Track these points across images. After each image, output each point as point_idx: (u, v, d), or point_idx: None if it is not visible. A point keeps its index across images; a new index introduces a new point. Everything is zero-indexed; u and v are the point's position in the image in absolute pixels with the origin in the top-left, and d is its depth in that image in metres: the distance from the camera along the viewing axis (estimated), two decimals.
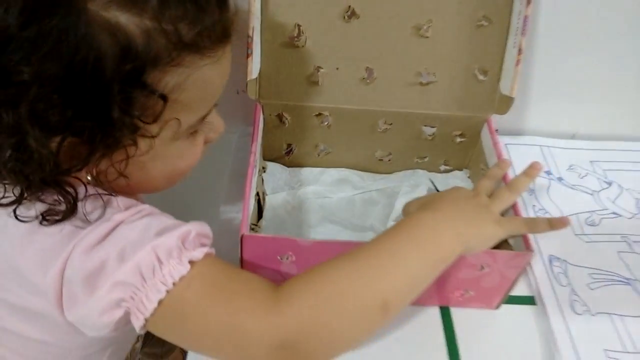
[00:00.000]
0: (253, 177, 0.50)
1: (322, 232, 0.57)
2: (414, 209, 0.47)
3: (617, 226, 0.60)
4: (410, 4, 0.54)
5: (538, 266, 0.55)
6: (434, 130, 0.60)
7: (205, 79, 0.37)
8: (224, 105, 0.66)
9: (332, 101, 0.58)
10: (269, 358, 0.36)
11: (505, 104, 0.55)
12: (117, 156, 0.37)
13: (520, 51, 0.51)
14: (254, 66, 0.53)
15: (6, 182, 0.37)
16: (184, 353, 0.49)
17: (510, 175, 0.52)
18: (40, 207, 0.37)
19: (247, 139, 0.54)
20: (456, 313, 0.52)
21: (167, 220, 0.39)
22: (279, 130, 0.60)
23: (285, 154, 0.63)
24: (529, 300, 0.54)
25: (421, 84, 0.57)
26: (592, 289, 0.54)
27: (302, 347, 0.36)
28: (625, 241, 0.59)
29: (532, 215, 0.60)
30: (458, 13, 0.54)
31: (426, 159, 0.63)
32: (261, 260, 0.46)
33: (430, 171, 0.64)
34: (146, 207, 0.39)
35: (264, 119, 0.58)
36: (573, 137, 0.71)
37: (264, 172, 0.61)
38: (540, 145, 0.69)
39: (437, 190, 0.59)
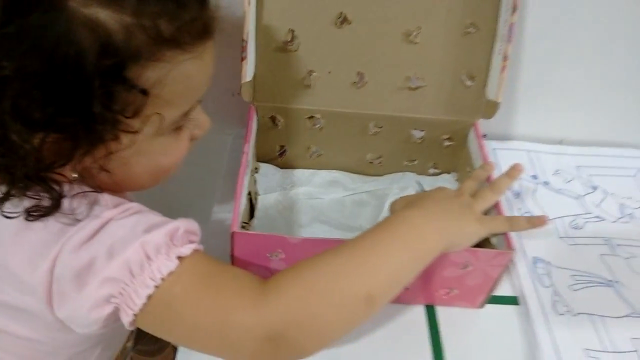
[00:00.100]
0: (245, 177, 0.51)
1: (312, 231, 0.58)
2: (399, 207, 0.48)
3: (600, 230, 0.62)
4: (400, 11, 0.55)
5: (522, 267, 0.57)
6: (422, 133, 0.61)
7: (186, 74, 0.37)
8: (220, 107, 0.68)
9: (324, 104, 0.60)
10: (257, 350, 0.37)
11: (491, 108, 0.57)
12: (100, 152, 0.37)
13: (505, 58, 0.53)
14: (249, 69, 0.54)
15: None
16: (175, 350, 0.49)
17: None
18: (26, 204, 0.37)
19: (242, 140, 0.55)
20: (441, 312, 0.53)
21: (155, 217, 0.39)
22: (272, 132, 0.61)
23: (278, 156, 0.64)
24: (512, 300, 0.55)
25: (410, 88, 0.59)
26: (574, 290, 0.55)
27: (289, 338, 0.37)
28: (608, 244, 0.60)
29: None
30: (446, 20, 0.55)
31: (415, 162, 0.65)
32: (251, 258, 0.47)
33: (419, 174, 0.65)
34: (134, 205, 0.40)
35: (257, 120, 0.59)
36: (560, 142, 0.72)
37: (257, 172, 0.62)
38: (527, 150, 0.70)
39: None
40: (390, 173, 0.65)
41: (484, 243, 0.51)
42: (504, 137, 0.71)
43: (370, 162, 0.65)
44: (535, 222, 0.49)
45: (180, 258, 0.37)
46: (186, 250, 0.37)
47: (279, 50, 0.57)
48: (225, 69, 0.60)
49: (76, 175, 0.38)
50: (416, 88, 0.59)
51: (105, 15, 0.33)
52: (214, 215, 0.59)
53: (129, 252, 0.36)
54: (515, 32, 0.52)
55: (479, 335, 0.52)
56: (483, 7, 0.55)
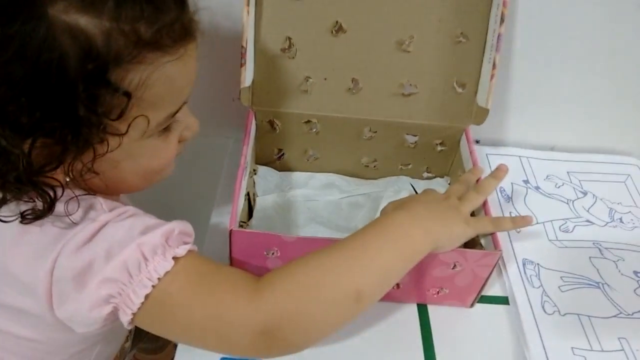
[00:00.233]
0: (243, 178, 0.53)
1: (309, 232, 0.59)
2: (389, 210, 0.49)
3: (589, 233, 0.63)
4: (393, 21, 0.57)
5: (512, 269, 0.58)
6: (416, 138, 0.63)
7: (168, 75, 0.38)
8: (220, 112, 0.70)
9: (320, 109, 0.61)
10: (251, 344, 0.39)
11: (481, 115, 0.58)
12: (89, 155, 0.37)
13: (494, 66, 0.54)
14: (247, 75, 0.55)
15: None
16: (176, 348, 0.50)
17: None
18: (22, 208, 0.38)
19: (241, 144, 0.56)
20: (433, 310, 0.54)
21: (150, 220, 0.40)
22: (271, 135, 0.63)
23: (276, 159, 0.65)
24: (502, 300, 0.56)
25: (403, 95, 0.60)
26: (562, 291, 0.57)
27: (282, 333, 0.38)
28: (597, 247, 0.61)
29: None
30: (438, 30, 0.57)
31: (409, 166, 0.66)
32: (248, 255, 0.49)
33: (413, 177, 0.67)
34: (130, 209, 0.41)
35: (256, 124, 0.61)
36: (552, 149, 0.74)
37: (255, 174, 0.64)
38: (519, 156, 0.72)
39: (417, 193, 0.62)
40: (385, 176, 0.67)
41: (473, 244, 0.53)
42: (497, 143, 0.73)
43: (366, 166, 0.66)
44: (520, 222, 0.51)
45: (175, 258, 0.38)
46: (181, 250, 0.39)
47: (276, 57, 0.58)
48: (225, 74, 0.63)
49: (68, 179, 0.39)
50: (409, 95, 0.60)
51: (85, 21, 0.34)
52: (213, 216, 0.61)
53: (127, 253, 0.37)
54: (503, 42, 0.54)
55: (470, 333, 0.53)
56: (473, 17, 0.56)
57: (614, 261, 0.60)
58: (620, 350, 0.52)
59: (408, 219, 0.45)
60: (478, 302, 0.55)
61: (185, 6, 0.39)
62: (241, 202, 0.52)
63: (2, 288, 0.41)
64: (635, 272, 0.59)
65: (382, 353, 0.51)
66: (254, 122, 0.60)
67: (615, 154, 0.73)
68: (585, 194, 0.68)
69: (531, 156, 0.72)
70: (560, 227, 0.63)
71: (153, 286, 0.37)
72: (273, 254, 0.48)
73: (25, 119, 0.34)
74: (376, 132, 0.63)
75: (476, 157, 0.58)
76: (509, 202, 0.66)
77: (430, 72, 0.59)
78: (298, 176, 0.66)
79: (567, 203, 0.67)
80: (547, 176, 0.70)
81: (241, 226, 0.54)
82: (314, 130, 0.63)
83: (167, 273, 0.37)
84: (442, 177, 0.67)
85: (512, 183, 0.68)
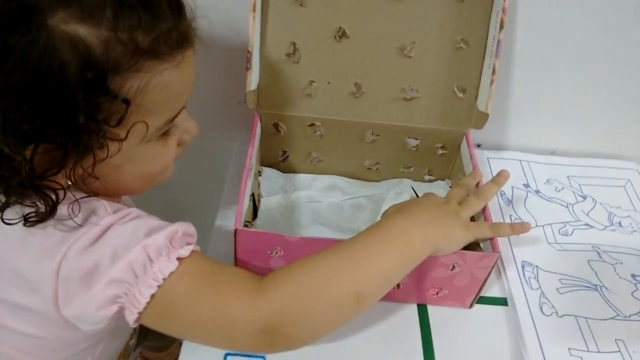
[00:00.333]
0: (248, 179, 0.54)
1: (312, 232, 0.60)
2: (390, 213, 0.50)
3: (588, 237, 0.64)
4: (395, 27, 0.58)
5: (511, 270, 0.59)
6: (417, 142, 0.64)
7: (166, 82, 0.39)
8: (226, 115, 0.72)
9: (324, 113, 0.62)
10: (254, 341, 0.40)
11: (481, 119, 0.59)
12: (90, 160, 0.38)
13: (494, 72, 0.56)
14: (253, 79, 0.57)
15: None
16: (180, 346, 0.51)
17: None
18: (25, 211, 0.39)
19: (247, 146, 0.57)
20: (432, 311, 0.55)
21: (154, 221, 0.41)
22: (275, 138, 0.64)
23: (281, 161, 0.67)
24: (501, 302, 0.57)
25: (405, 99, 0.61)
26: (561, 293, 0.57)
27: (284, 330, 0.39)
28: (595, 251, 0.62)
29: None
30: (439, 36, 0.58)
31: (411, 169, 0.67)
32: (252, 254, 0.50)
33: (415, 180, 0.68)
34: (134, 210, 0.41)
35: (261, 127, 0.62)
36: (553, 153, 0.74)
37: (260, 175, 0.65)
38: (520, 160, 0.72)
39: (417, 196, 0.63)
40: (387, 179, 0.68)
41: (473, 247, 0.53)
42: (498, 147, 0.74)
43: (368, 168, 0.67)
44: (518, 229, 0.52)
45: (179, 259, 0.39)
46: (185, 251, 0.40)
47: (281, 61, 0.59)
48: (231, 78, 0.64)
49: (70, 183, 0.40)
50: (411, 99, 0.61)
51: (84, 31, 0.35)
52: (219, 218, 0.62)
53: (132, 254, 0.38)
54: (503, 48, 0.55)
55: (469, 334, 0.54)
56: (473, 24, 0.57)
57: (612, 264, 0.61)
58: (617, 351, 0.53)
59: (408, 223, 0.46)
60: (477, 303, 0.56)
61: (182, 14, 0.40)
62: (246, 202, 0.54)
63: (9, 287, 0.42)
64: (633, 276, 0.60)
65: (382, 352, 0.52)
66: (259, 124, 0.61)
67: (615, 158, 0.73)
68: (584, 198, 0.69)
69: (532, 160, 0.73)
70: (559, 231, 0.64)
71: (158, 286, 0.38)
72: (277, 253, 0.49)
73: (27, 127, 0.35)
74: (378, 135, 0.64)
75: (476, 160, 0.59)
76: (509, 205, 0.67)
77: (431, 77, 0.60)
78: (302, 178, 0.68)
79: (567, 207, 0.67)
80: (548, 180, 0.70)
81: (246, 226, 0.55)
82: (318, 133, 0.64)
83: (171, 273, 0.38)
84: (443, 180, 0.68)
85: (512, 187, 0.69)
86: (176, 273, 0.39)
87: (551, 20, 0.62)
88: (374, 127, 0.63)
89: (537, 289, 0.57)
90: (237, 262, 0.51)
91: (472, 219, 0.52)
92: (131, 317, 0.39)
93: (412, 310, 0.55)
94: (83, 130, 0.36)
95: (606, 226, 0.65)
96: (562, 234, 0.64)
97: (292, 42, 0.59)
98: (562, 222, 0.65)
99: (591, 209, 0.67)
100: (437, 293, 0.54)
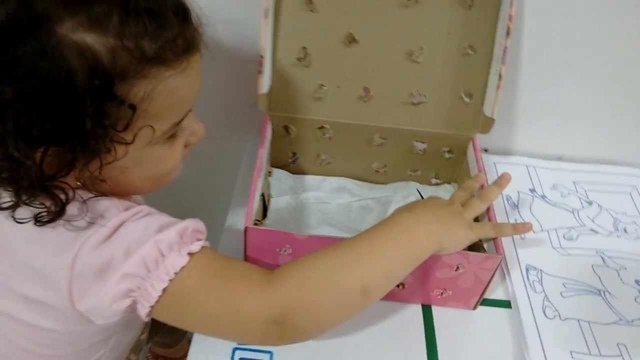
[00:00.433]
0: (259, 179, 0.56)
1: (319, 232, 0.61)
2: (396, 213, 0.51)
3: (593, 242, 0.64)
4: (404, 33, 0.59)
5: (515, 274, 0.59)
6: (424, 145, 0.65)
7: (171, 88, 0.39)
8: (238, 117, 0.73)
9: (333, 116, 0.63)
10: (263, 333, 0.41)
11: (487, 124, 0.60)
12: (98, 162, 0.39)
13: (500, 77, 0.56)
14: (265, 82, 0.58)
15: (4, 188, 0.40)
16: (190, 342, 0.52)
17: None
18: (35, 211, 0.39)
19: (258, 147, 0.58)
20: (437, 311, 0.56)
21: (164, 218, 0.42)
22: (286, 140, 0.65)
23: (290, 162, 0.68)
24: (505, 304, 0.57)
25: (413, 103, 0.62)
26: (564, 297, 0.58)
27: (292, 322, 0.41)
28: (600, 256, 0.63)
29: None
30: (446, 42, 0.59)
31: (418, 172, 0.68)
32: (262, 252, 0.51)
33: (422, 183, 0.68)
34: (144, 208, 0.42)
35: (272, 129, 0.63)
36: (559, 159, 0.75)
37: (270, 176, 0.66)
38: (526, 165, 0.73)
39: (422, 198, 0.64)
40: (394, 182, 0.69)
41: (477, 249, 0.54)
42: (504, 152, 0.75)
43: (376, 171, 0.68)
44: (520, 228, 0.53)
45: (190, 254, 0.40)
46: (195, 247, 0.41)
47: (292, 65, 0.61)
48: (244, 81, 0.66)
49: (79, 184, 0.41)
50: (418, 103, 0.62)
51: (91, 39, 0.35)
52: (229, 216, 0.63)
53: (145, 250, 0.39)
54: (509, 54, 0.56)
55: (472, 335, 0.55)
56: (480, 31, 0.58)
57: (616, 270, 0.61)
58: (619, 356, 0.53)
59: (413, 221, 0.47)
60: (481, 304, 0.56)
61: (188, 21, 0.40)
62: (256, 201, 0.55)
63: (25, 282, 0.43)
64: (637, 281, 0.60)
65: (386, 351, 0.53)
66: (270, 126, 0.62)
67: (621, 165, 0.74)
68: (590, 203, 0.69)
69: (538, 165, 0.73)
70: (564, 235, 0.65)
71: (170, 280, 0.39)
72: (285, 251, 0.51)
73: (36, 132, 0.36)
74: (386, 138, 0.65)
75: (482, 165, 0.60)
76: (514, 209, 0.67)
77: (438, 82, 0.61)
78: (311, 179, 0.69)
79: (572, 212, 0.68)
80: (554, 185, 0.71)
81: (256, 224, 0.56)
82: (327, 135, 0.65)
83: (182, 268, 0.40)
84: (449, 183, 0.69)
85: (518, 191, 0.70)
86: (187, 267, 0.40)
87: (558, 27, 0.62)
88: (381, 130, 0.64)
89: (541, 292, 0.58)
90: (246, 260, 0.52)
91: (477, 220, 0.53)
92: (143, 311, 0.40)
93: (416, 310, 0.56)
94: (91, 135, 0.37)
95: (611, 232, 0.66)
96: (567, 239, 0.64)
97: (303, 47, 0.60)
98: (567, 227, 0.66)
99: (597, 215, 0.68)
100: (442, 294, 0.55)
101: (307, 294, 0.41)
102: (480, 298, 0.55)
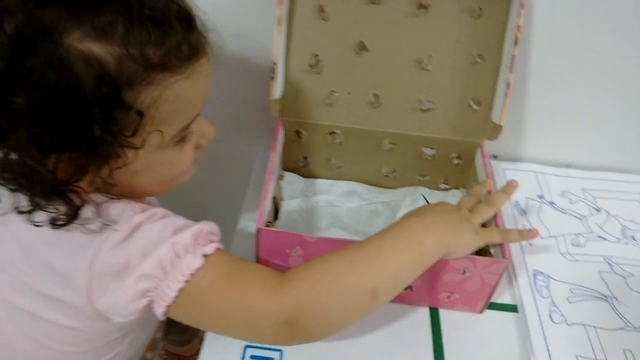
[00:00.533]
0: (270, 182, 0.57)
1: (329, 235, 0.62)
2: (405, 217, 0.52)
3: (601, 249, 0.64)
4: (413, 41, 0.60)
5: (523, 279, 0.60)
6: (433, 151, 0.66)
7: (178, 93, 0.40)
8: (251, 121, 0.75)
9: (344, 121, 0.64)
10: (275, 333, 0.42)
11: (495, 131, 0.61)
12: (110, 167, 0.40)
13: (508, 86, 0.57)
14: (277, 88, 0.60)
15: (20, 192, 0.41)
16: (202, 341, 0.53)
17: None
18: (52, 215, 0.41)
19: (270, 151, 0.60)
20: (444, 314, 0.57)
21: (180, 220, 0.43)
22: (297, 144, 0.66)
23: (301, 166, 0.69)
24: (512, 309, 0.58)
25: (421, 110, 0.63)
26: (571, 303, 0.58)
27: (303, 323, 0.42)
28: (607, 262, 0.63)
29: None
30: (455, 50, 0.60)
31: (427, 177, 0.69)
32: (273, 252, 0.52)
33: (430, 189, 0.69)
34: (160, 210, 0.44)
35: (284, 134, 0.65)
36: (569, 166, 0.75)
37: (282, 179, 0.68)
38: (535, 172, 0.73)
39: (428, 203, 0.65)
40: (403, 186, 0.69)
41: (484, 254, 0.55)
42: (514, 159, 0.75)
43: (385, 176, 0.69)
44: (527, 235, 0.53)
45: (205, 255, 0.41)
46: (209, 248, 0.42)
47: (304, 72, 0.62)
48: (257, 87, 0.68)
49: (92, 187, 0.42)
50: (427, 110, 0.63)
51: (98, 49, 0.36)
52: (241, 219, 0.64)
53: (161, 251, 0.40)
54: (517, 63, 0.57)
55: (479, 338, 0.55)
56: (489, 39, 0.59)
57: (623, 276, 0.62)
58: None
59: (422, 225, 0.47)
60: (488, 308, 0.57)
61: (192, 27, 0.41)
62: (268, 204, 0.56)
63: (45, 281, 0.44)
64: None
65: (394, 352, 0.53)
66: (282, 131, 0.64)
67: (630, 173, 0.74)
68: (598, 210, 0.69)
69: (547, 172, 0.74)
70: (572, 242, 0.65)
71: (185, 281, 0.40)
72: (295, 252, 0.52)
73: (48, 140, 0.37)
74: (395, 144, 0.66)
75: (489, 171, 0.61)
76: (523, 215, 0.68)
77: (447, 89, 0.62)
78: (321, 183, 0.70)
79: (580, 219, 0.68)
80: (562, 192, 0.71)
81: (267, 226, 0.58)
82: (338, 140, 0.66)
83: (197, 269, 0.41)
84: (458, 189, 0.69)
85: (526, 197, 0.70)
86: (202, 268, 0.41)
87: (566, 36, 0.63)
88: (391, 136, 0.65)
89: (548, 297, 0.59)
90: (258, 260, 0.53)
91: (484, 225, 0.54)
92: (159, 310, 0.41)
93: (424, 313, 0.57)
94: (101, 141, 0.37)
95: (619, 239, 0.66)
96: (574, 245, 0.65)
97: (314, 54, 0.61)
98: (575, 234, 0.66)
99: (605, 222, 0.68)
100: (449, 297, 0.56)
101: (317, 296, 0.42)
102: (486, 302, 0.56)
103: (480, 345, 0.55)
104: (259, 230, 0.51)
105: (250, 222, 0.63)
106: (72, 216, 0.40)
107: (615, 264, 0.63)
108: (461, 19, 0.59)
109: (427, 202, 0.65)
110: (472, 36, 0.60)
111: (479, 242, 0.51)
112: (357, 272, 0.43)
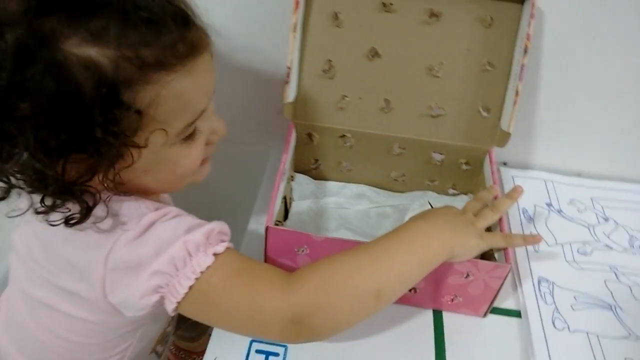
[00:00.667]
0: (281, 182, 0.58)
1: (338, 236, 0.63)
2: (411, 220, 0.52)
3: (607, 258, 0.65)
4: (425, 49, 0.61)
5: (527, 285, 0.60)
6: (442, 157, 0.66)
7: (177, 91, 0.40)
8: (265, 124, 0.77)
9: (355, 125, 0.65)
10: (282, 330, 0.43)
11: (504, 138, 0.61)
12: (118, 166, 0.41)
13: (517, 93, 0.58)
14: (291, 92, 0.61)
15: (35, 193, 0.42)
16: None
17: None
18: (66, 214, 0.41)
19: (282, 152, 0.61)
20: (447, 317, 0.57)
21: (192, 220, 0.44)
22: (309, 147, 0.68)
23: (312, 168, 0.70)
24: (515, 314, 0.58)
25: (431, 116, 0.64)
26: (574, 310, 0.59)
27: (309, 322, 0.43)
28: (613, 272, 0.63)
29: None
30: (466, 58, 0.61)
31: (436, 182, 0.70)
32: (281, 251, 0.54)
33: (439, 193, 0.70)
34: (173, 209, 0.45)
35: (296, 136, 0.66)
36: (579, 175, 0.75)
37: (292, 180, 0.69)
38: (544, 180, 0.74)
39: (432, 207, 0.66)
40: (412, 191, 0.70)
41: (488, 258, 0.56)
42: (524, 166, 0.76)
43: (395, 180, 0.70)
44: (530, 240, 0.54)
45: (215, 254, 0.42)
46: (220, 247, 0.43)
47: (318, 76, 0.63)
48: (271, 91, 0.69)
49: (104, 187, 0.42)
50: (437, 116, 0.64)
51: (94, 52, 0.37)
52: (252, 219, 0.66)
53: (174, 249, 0.41)
54: (526, 72, 0.57)
55: (481, 342, 0.56)
56: (499, 48, 0.60)
57: (629, 286, 0.62)
58: None
59: (427, 228, 0.48)
60: (491, 313, 0.57)
61: (189, 24, 0.41)
62: (278, 203, 0.58)
63: (62, 274, 0.45)
64: None
65: (396, 353, 0.54)
66: (294, 133, 0.65)
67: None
68: (607, 220, 0.69)
69: (556, 180, 0.74)
70: (578, 250, 0.65)
71: (196, 278, 0.41)
72: (303, 251, 0.53)
73: (53, 143, 0.37)
74: (405, 149, 0.67)
75: (497, 177, 0.61)
76: (530, 222, 0.68)
77: (457, 96, 0.63)
78: (332, 185, 0.71)
79: (588, 227, 0.68)
80: (571, 200, 0.72)
81: (276, 225, 0.59)
82: (348, 144, 0.67)
83: (208, 267, 0.42)
84: (466, 194, 0.70)
85: (534, 205, 0.71)
86: (212, 267, 0.42)
87: (577, 45, 0.64)
88: (401, 140, 0.66)
89: (551, 304, 0.59)
90: (266, 258, 0.55)
91: (489, 230, 0.54)
92: (170, 306, 0.43)
93: (427, 315, 0.58)
94: (103, 142, 0.38)
95: (626, 248, 0.66)
96: (581, 253, 0.65)
97: (328, 60, 0.63)
98: (582, 242, 0.66)
99: (612, 231, 0.68)
100: (452, 300, 0.56)
101: (324, 296, 0.43)
102: (490, 306, 0.57)
103: (482, 350, 0.55)
104: (267, 229, 0.52)
105: (260, 223, 0.65)
106: (84, 215, 0.41)
107: (622, 273, 0.63)
108: (472, 28, 0.60)
109: (432, 207, 0.66)
110: (483, 44, 0.61)
111: (483, 246, 0.51)
112: (364, 273, 0.44)
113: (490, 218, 0.53)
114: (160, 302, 0.43)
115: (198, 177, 0.49)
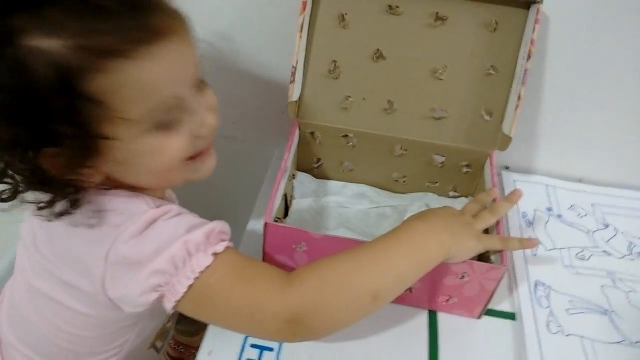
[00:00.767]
0: (283, 180, 0.59)
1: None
2: (409, 220, 0.53)
3: (605, 264, 0.65)
4: (429, 52, 0.62)
5: (524, 288, 0.61)
6: (443, 159, 0.67)
7: (136, 78, 0.39)
8: (270, 122, 0.78)
9: (358, 126, 0.66)
10: (279, 330, 0.43)
11: (505, 142, 0.61)
12: (95, 160, 0.40)
13: (520, 98, 0.58)
14: (295, 91, 0.62)
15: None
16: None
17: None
18: (57, 209, 0.42)
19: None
20: (442, 318, 0.58)
21: (194, 219, 0.44)
22: (311, 146, 0.68)
23: (315, 167, 0.71)
24: (510, 316, 0.59)
25: (434, 118, 0.65)
26: (570, 314, 0.59)
27: (307, 321, 0.43)
28: (610, 278, 0.63)
29: None
30: (470, 62, 0.61)
31: (437, 184, 0.70)
32: (279, 247, 0.54)
33: (440, 195, 0.71)
34: (175, 208, 0.44)
35: (299, 135, 0.67)
36: (580, 181, 0.76)
37: (294, 179, 0.70)
38: (546, 185, 0.74)
39: None
40: (413, 192, 0.71)
41: (485, 259, 0.56)
42: (526, 171, 0.76)
43: (396, 181, 0.71)
44: (527, 243, 0.54)
45: (215, 254, 0.42)
46: (220, 247, 0.43)
47: (322, 77, 0.64)
48: (276, 89, 0.70)
49: (94, 183, 0.42)
50: (439, 118, 0.65)
51: (49, 43, 0.36)
52: (253, 217, 0.66)
53: (174, 249, 0.41)
54: (529, 76, 0.58)
55: (475, 344, 0.56)
56: (503, 53, 0.61)
57: (625, 292, 0.62)
58: None
59: (425, 229, 0.49)
60: (486, 315, 0.58)
61: (150, 10, 0.40)
62: (278, 200, 0.58)
63: (65, 267, 0.46)
64: None
65: (390, 352, 0.54)
66: (297, 132, 0.66)
67: None
68: (607, 226, 0.70)
69: (558, 186, 0.74)
70: (576, 255, 0.66)
71: (195, 278, 0.42)
72: (301, 248, 0.54)
73: (23, 138, 0.37)
74: (407, 150, 0.67)
75: (497, 180, 0.62)
76: (530, 227, 0.69)
77: (460, 99, 0.63)
78: (333, 184, 0.72)
79: (587, 233, 0.69)
80: (572, 206, 0.72)
81: (276, 222, 0.60)
82: (351, 144, 0.68)
83: (207, 267, 0.42)
84: (467, 197, 0.70)
85: (535, 209, 0.71)
86: (212, 267, 0.42)
87: (580, 51, 0.64)
88: (403, 142, 0.66)
89: (547, 307, 0.59)
90: (264, 255, 0.55)
91: (486, 232, 0.55)
92: (169, 305, 0.43)
93: (422, 315, 0.58)
94: (69, 135, 0.38)
95: (625, 255, 0.66)
96: (579, 259, 0.65)
97: (333, 61, 0.63)
98: (581, 247, 0.67)
99: (612, 238, 0.68)
100: (447, 300, 0.57)
101: (322, 296, 0.43)
102: (484, 308, 0.57)
103: (475, 351, 0.56)
104: (266, 225, 0.53)
105: (260, 221, 0.63)
106: (72, 208, 0.42)
107: (619, 279, 0.63)
108: (477, 32, 0.61)
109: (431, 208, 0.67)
110: (487, 49, 0.61)
111: (479, 248, 0.52)
112: (362, 274, 0.45)
113: (488, 220, 0.54)
114: (160, 300, 0.43)
115: (198, 174, 0.48)
